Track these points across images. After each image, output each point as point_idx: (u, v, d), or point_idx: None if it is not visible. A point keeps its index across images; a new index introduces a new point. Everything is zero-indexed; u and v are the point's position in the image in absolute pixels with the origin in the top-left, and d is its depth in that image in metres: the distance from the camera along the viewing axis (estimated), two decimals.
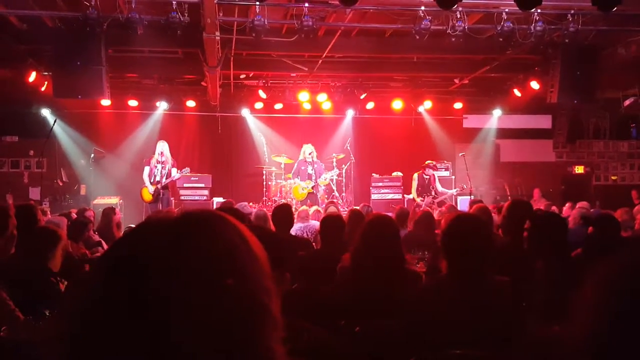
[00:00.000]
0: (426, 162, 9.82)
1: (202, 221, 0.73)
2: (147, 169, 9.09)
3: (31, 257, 3.07)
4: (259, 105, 11.32)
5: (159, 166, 8.96)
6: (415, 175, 9.79)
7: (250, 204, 8.82)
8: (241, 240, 0.73)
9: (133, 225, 5.95)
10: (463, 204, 10.25)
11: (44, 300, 2.79)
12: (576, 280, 2.67)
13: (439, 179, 9.97)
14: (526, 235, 3.04)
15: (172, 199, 9.60)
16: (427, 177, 9.70)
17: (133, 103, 10.82)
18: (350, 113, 11.79)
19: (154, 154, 9.11)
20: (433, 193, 9.65)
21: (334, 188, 10.45)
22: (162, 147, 9.02)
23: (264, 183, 10.75)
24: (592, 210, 6.87)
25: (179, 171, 8.96)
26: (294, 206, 9.70)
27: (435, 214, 6.01)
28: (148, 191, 8.95)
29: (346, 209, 9.02)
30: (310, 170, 9.75)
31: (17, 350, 2.42)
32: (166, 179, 8.91)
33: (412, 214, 6.41)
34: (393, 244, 2.77)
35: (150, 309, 0.63)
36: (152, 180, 8.98)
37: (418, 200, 9.55)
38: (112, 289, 0.65)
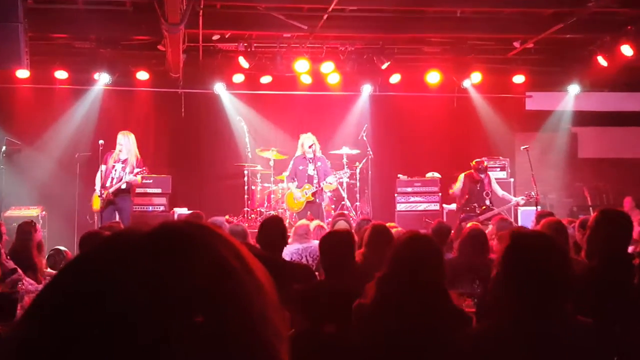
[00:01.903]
0: (474, 162, 9.81)
1: (187, 237, 0.74)
2: (101, 169, 9.19)
3: None
4: (238, 78, 11.36)
5: (118, 166, 9.11)
6: (462, 176, 9.79)
7: (227, 217, 8.84)
8: (240, 264, 0.74)
9: (62, 248, 5.97)
10: (526, 217, 10.24)
11: None
12: None
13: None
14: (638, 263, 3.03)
15: (133, 208, 9.61)
16: (479, 180, 9.68)
17: (62, 75, 10.87)
18: (367, 89, 11.83)
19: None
20: (488, 202, 9.61)
21: (344, 195, 10.47)
22: (120, 144, 9.13)
23: (246, 188, 10.78)
24: None
25: (134, 173, 9.04)
26: (287, 220, 9.75)
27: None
28: (97, 197, 9.10)
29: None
30: (311, 170, 9.77)
31: None
32: (117, 182, 9.03)
33: (457, 231, 6.41)
34: (436, 276, 2.77)
35: None
36: (108, 184, 9.10)
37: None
38: (68, 340, 0.67)
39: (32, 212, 9.88)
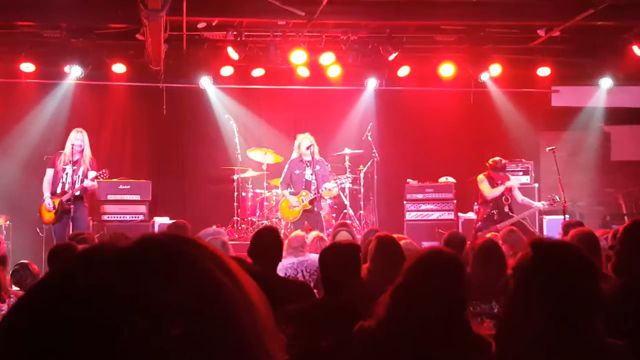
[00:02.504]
0: (491, 161, 9.82)
1: (171, 252, 0.75)
2: (50, 173, 9.13)
3: None
4: (227, 70, 11.38)
5: (70, 169, 8.99)
6: (482, 177, 9.80)
7: (214, 227, 8.83)
8: (230, 280, 0.75)
9: (26, 262, 5.98)
10: (552, 227, 10.24)
11: None
12: None
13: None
14: None
15: (89, 218, 9.61)
16: (497, 182, 9.70)
17: (28, 68, 10.88)
18: (372, 84, 11.85)
19: (58, 147, 9.16)
20: (507, 209, 9.63)
21: (347, 203, 10.48)
22: (76, 139, 9.07)
23: (236, 194, 10.79)
24: None
25: (94, 177, 9.01)
26: (282, 230, 9.74)
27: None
28: (45, 208, 9.04)
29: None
30: (308, 174, 9.78)
31: None
32: (78, 186, 8.95)
33: (472, 243, 6.40)
34: (457, 296, 2.75)
35: None
36: (58, 191, 9.01)
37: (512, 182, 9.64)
38: None
39: None
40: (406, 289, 2.78)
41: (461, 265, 2.91)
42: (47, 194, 9.06)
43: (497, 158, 9.89)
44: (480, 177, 9.82)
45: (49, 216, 9.03)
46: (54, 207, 8.95)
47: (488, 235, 6.77)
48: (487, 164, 9.86)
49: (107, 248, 0.76)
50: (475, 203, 10.37)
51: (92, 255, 0.76)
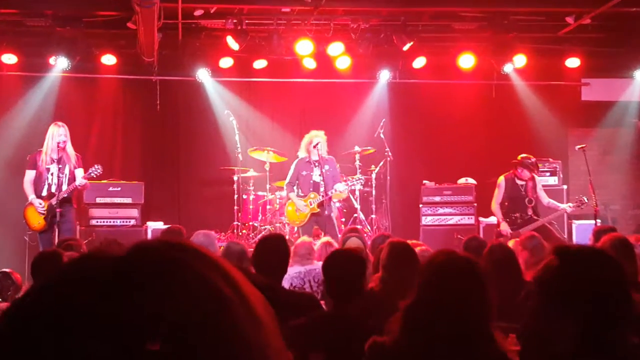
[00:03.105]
0: (521, 157, 9.74)
1: (169, 262, 0.75)
2: (31, 174, 9.01)
3: None
4: (226, 62, 11.40)
5: (54, 168, 8.93)
6: (502, 180, 9.78)
7: (212, 232, 8.85)
8: (235, 293, 0.75)
9: (7, 270, 6.00)
10: (582, 232, 10.21)
11: None
12: None
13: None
14: None
15: (77, 223, 9.62)
16: (523, 182, 9.65)
17: (10, 59, 10.92)
18: (384, 76, 11.84)
19: (42, 145, 9.11)
20: (530, 212, 9.58)
21: (357, 206, 10.48)
22: (59, 134, 8.97)
23: (236, 197, 10.80)
24: None
25: (86, 173, 8.92)
26: (288, 236, 9.75)
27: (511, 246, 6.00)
28: (36, 211, 8.88)
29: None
30: (316, 175, 9.76)
31: None
32: (67, 186, 8.88)
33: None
34: (480, 310, 2.75)
35: None
36: (44, 193, 8.92)
37: (502, 225, 9.53)
38: None
39: None
40: (421, 303, 2.78)
41: (480, 271, 2.89)
42: (32, 195, 8.88)
43: (524, 156, 9.75)
44: (501, 179, 9.75)
45: (38, 222, 8.83)
46: (44, 211, 8.76)
47: (511, 242, 6.75)
48: (514, 161, 9.74)
49: (97, 259, 0.76)
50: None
51: (81, 267, 0.76)
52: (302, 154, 9.85)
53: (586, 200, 9.44)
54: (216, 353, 0.71)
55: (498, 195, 9.70)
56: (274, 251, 4.79)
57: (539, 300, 2.47)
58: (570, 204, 9.68)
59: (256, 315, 0.76)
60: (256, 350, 0.74)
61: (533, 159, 9.74)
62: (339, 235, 8.90)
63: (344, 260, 4.05)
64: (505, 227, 9.50)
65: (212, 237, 6.41)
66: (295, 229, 9.88)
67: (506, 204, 9.65)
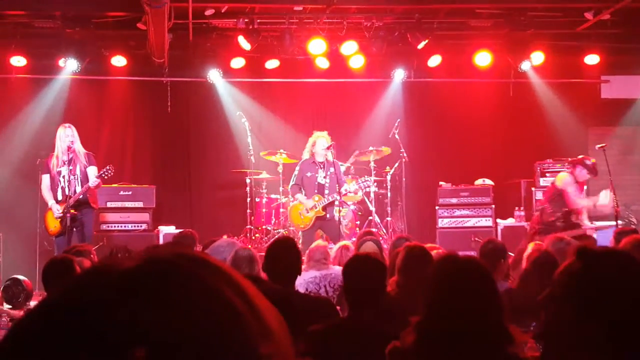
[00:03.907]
0: (579, 157, 9.52)
1: (182, 277, 0.74)
2: (46, 179, 9.04)
3: None
4: (238, 62, 11.42)
5: (65, 170, 8.95)
6: (568, 177, 9.44)
7: (225, 237, 8.85)
8: (248, 307, 0.75)
9: (21, 277, 6.02)
10: (602, 234, 10.12)
11: None
12: None
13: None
14: None
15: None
16: (576, 183, 9.37)
17: (19, 62, 10.98)
18: (399, 75, 11.83)
19: (53, 149, 9.14)
20: (574, 217, 9.36)
21: (372, 208, 10.45)
22: (70, 137, 9.00)
23: (249, 200, 10.81)
24: None
25: (98, 173, 8.92)
26: (299, 239, 9.75)
27: (529, 249, 5.98)
28: (53, 216, 8.92)
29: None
30: (321, 177, 9.71)
31: None
32: (80, 187, 8.90)
33: (517, 253, 6.35)
34: (488, 310, 2.75)
35: None
36: (59, 197, 8.93)
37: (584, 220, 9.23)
38: None
39: None
40: (430, 307, 2.78)
41: (484, 270, 2.93)
42: (51, 201, 8.92)
43: (582, 156, 9.54)
44: (565, 176, 9.46)
45: (54, 226, 8.87)
46: (60, 214, 8.79)
47: (530, 245, 6.71)
48: (573, 160, 9.57)
49: (107, 272, 0.76)
50: (537, 204, 10.17)
51: (90, 281, 0.76)
52: (306, 155, 9.84)
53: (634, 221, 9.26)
54: None
55: (575, 192, 9.36)
56: (285, 255, 4.77)
57: (560, 303, 2.44)
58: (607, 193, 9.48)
59: (268, 328, 0.76)
60: None
61: (593, 161, 9.54)
62: (349, 240, 8.89)
63: (366, 267, 4.03)
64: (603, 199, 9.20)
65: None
66: (299, 234, 9.84)
67: (547, 204, 9.37)
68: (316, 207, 9.55)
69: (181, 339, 0.71)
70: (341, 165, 10.18)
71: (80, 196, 8.85)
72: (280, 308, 0.81)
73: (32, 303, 7.15)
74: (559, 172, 10.70)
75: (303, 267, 6.26)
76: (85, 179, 8.91)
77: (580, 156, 9.61)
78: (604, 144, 9.88)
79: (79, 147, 9.02)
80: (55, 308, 0.75)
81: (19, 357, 0.72)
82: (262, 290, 0.81)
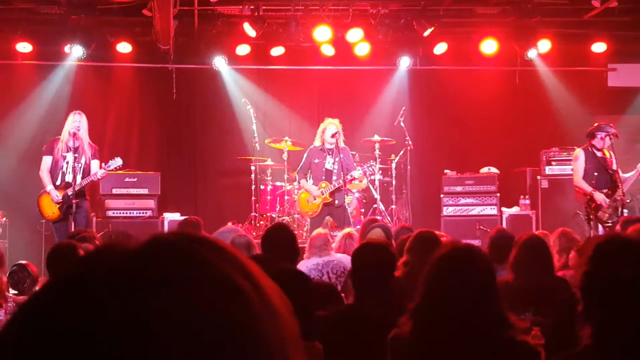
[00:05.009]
0: (596, 125, 9.46)
1: (187, 256, 0.74)
2: (47, 161, 9.04)
3: None
4: (243, 49, 11.41)
5: (70, 157, 8.95)
6: (580, 153, 9.35)
7: (229, 224, 8.88)
8: (252, 287, 0.74)
9: (24, 262, 6.06)
10: None
11: None
12: None
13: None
14: None
15: (92, 214, 9.68)
16: (599, 151, 9.37)
17: (25, 48, 10.99)
18: (404, 63, 11.80)
19: (59, 134, 9.14)
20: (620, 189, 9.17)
21: (377, 196, 10.45)
22: (77, 123, 8.99)
23: (254, 187, 10.82)
24: None
25: (104, 165, 8.95)
26: (306, 227, 9.75)
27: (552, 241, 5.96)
28: (51, 200, 8.91)
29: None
30: (329, 163, 9.71)
31: None
32: (82, 178, 8.91)
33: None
34: (485, 296, 2.76)
35: None
36: (58, 182, 8.96)
37: (597, 195, 9.03)
38: None
39: None
40: (427, 295, 2.79)
41: (484, 258, 2.95)
42: (50, 185, 8.84)
43: (602, 125, 9.37)
44: (579, 152, 9.35)
45: (52, 212, 8.82)
46: (59, 200, 8.76)
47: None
48: (590, 130, 9.41)
49: (112, 252, 0.76)
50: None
51: (95, 261, 0.76)
52: (317, 141, 9.84)
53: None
54: (234, 349, 0.71)
55: (578, 169, 9.34)
56: (280, 238, 4.83)
57: (580, 287, 2.45)
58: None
59: (275, 310, 0.75)
60: (274, 345, 0.73)
61: (610, 129, 9.34)
62: (354, 228, 8.90)
63: (375, 255, 4.03)
64: (600, 197, 9.05)
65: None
66: (307, 221, 9.86)
67: (593, 182, 9.19)
68: (323, 194, 9.54)
69: (186, 318, 0.70)
70: (352, 153, 10.16)
71: (84, 184, 8.83)
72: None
73: (38, 288, 7.19)
74: (564, 160, 10.69)
75: (305, 255, 6.31)
76: (88, 169, 8.88)
77: (596, 124, 9.52)
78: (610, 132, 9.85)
79: (84, 135, 8.96)
80: (60, 287, 0.75)
81: (27, 336, 0.72)
82: (269, 269, 0.81)
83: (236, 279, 0.74)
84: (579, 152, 9.42)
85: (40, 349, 0.70)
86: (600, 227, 9.14)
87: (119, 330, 0.69)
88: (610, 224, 8.87)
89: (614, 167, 9.31)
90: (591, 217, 9.08)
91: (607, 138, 9.29)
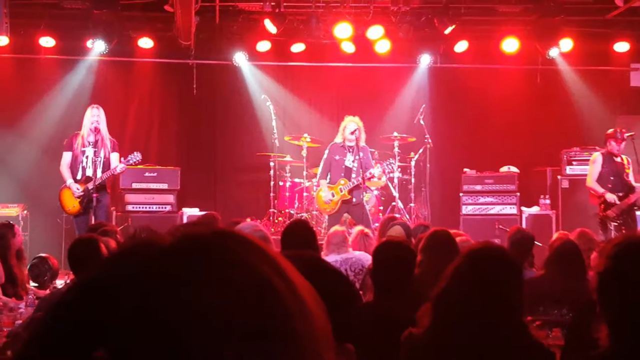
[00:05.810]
0: (609, 131, 9.51)
1: (220, 252, 0.75)
2: (67, 156, 9.11)
3: None
4: (264, 46, 11.42)
5: (90, 151, 8.99)
6: (598, 157, 9.47)
7: (248, 219, 8.88)
8: (286, 285, 0.75)
9: (44, 255, 6.08)
10: None
11: None
12: None
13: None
14: None
15: (113, 209, 9.73)
16: (617, 156, 9.35)
17: (48, 42, 11.07)
18: (425, 60, 11.77)
19: (79, 129, 9.20)
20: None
21: (395, 194, 10.43)
22: (96, 117, 9.03)
23: (272, 183, 10.83)
24: None
25: (123, 160, 9.00)
26: (324, 224, 9.73)
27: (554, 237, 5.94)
28: (72, 194, 8.96)
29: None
30: (349, 161, 9.70)
31: None
32: (103, 173, 8.95)
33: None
34: (511, 301, 2.74)
35: None
36: (78, 177, 9.01)
37: (609, 195, 9.15)
38: None
39: (11, 211, 10.10)
40: (449, 294, 2.77)
41: (514, 262, 2.91)
42: (70, 179, 8.92)
43: (616, 131, 9.44)
44: (597, 156, 9.48)
45: (73, 205, 8.89)
46: (79, 195, 8.83)
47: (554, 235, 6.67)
48: (608, 133, 9.45)
49: (145, 247, 0.76)
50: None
51: (129, 257, 0.76)
52: (338, 138, 9.84)
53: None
54: (268, 347, 0.71)
55: (593, 172, 9.44)
56: (300, 232, 4.84)
57: (596, 290, 2.42)
58: None
59: (306, 306, 0.76)
60: (307, 343, 0.74)
61: (630, 133, 9.46)
62: (373, 225, 8.88)
63: (396, 254, 4.01)
64: (611, 197, 9.14)
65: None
66: (324, 219, 9.85)
67: (609, 185, 9.27)
68: (341, 191, 9.54)
69: (221, 314, 0.71)
70: (371, 151, 10.14)
71: (104, 178, 8.89)
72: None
73: (58, 282, 7.23)
74: (585, 160, 10.61)
75: (323, 252, 6.30)
76: (107, 164, 8.93)
77: (610, 131, 9.51)
78: (632, 133, 9.79)
79: (104, 129, 9.02)
80: (98, 283, 0.76)
81: (63, 330, 0.73)
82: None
83: (270, 277, 0.74)
84: (597, 156, 9.49)
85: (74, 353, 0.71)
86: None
87: (160, 330, 0.70)
88: (617, 223, 8.94)
89: (630, 176, 9.37)
90: (602, 216, 9.15)
91: (623, 143, 9.33)
